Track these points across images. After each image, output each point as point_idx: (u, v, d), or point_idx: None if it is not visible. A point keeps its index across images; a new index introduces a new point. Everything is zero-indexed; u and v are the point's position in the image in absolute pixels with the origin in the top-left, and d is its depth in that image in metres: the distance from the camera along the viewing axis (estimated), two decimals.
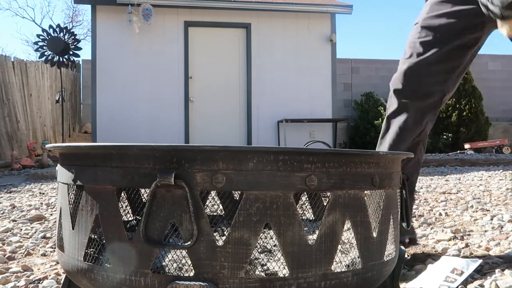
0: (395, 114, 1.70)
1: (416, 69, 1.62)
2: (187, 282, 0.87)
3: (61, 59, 8.11)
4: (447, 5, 1.59)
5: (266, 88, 8.61)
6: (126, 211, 1.35)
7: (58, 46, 8.01)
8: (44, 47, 8.07)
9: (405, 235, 1.74)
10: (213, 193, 1.45)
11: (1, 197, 3.94)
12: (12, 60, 8.67)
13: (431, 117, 1.69)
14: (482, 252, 1.71)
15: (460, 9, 1.57)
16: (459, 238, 2.01)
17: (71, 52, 8.17)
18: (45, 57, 8.12)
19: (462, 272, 1.36)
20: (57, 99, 8.85)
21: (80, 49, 8.21)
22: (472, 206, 2.84)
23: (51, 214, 2.88)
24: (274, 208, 0.89)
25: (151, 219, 0.89)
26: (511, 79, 11.64)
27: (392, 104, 1.70)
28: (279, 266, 1.02)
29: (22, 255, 1.86)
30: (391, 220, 1.09)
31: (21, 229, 2.40)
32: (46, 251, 1.92)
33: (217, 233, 1.31)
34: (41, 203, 3.41)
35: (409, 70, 1.63)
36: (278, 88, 8.66)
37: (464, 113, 9.52)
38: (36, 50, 8.09)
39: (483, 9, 1.37)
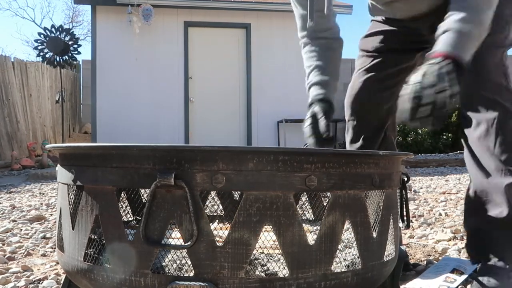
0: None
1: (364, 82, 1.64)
2: (187, 283, 0.87)
3: (60, 59, 8.12)
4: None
5: (266, 88, 8.61)
6: (126, 211, 1.35)
7: (57, 46, 8.02)
8: (44, 47, 8.08)
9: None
10: (213, 193, 1.45)
11: (1, 197, 3.94)
12: (12, 60, 8.68)
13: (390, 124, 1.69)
14: None
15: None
16: (459, 238, 2.01)
17: (71, 49, 8.18)
18: (42, 54, 8.13)
19: (462, 273, 1.36)
20: (57, 99, 8.87)
21: (79, 52, 8.24)
22: None
23: (51, 215, 2.88)
24: (274, 209, 0.89)
25: (151, 220, 0.89)
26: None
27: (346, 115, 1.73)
28: (279, 267, 1.02)
29: (22, 256, 1.86)
30: (391, 220, 1.09)
31: (21, 230, 2.40)
32: (46, 252, 1.92)
33: None
34: (41, 204, 3.41)
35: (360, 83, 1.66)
36: (278, 88, 8.65)
37: None
38: (38, 54, 8.11)
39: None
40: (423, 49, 1.64)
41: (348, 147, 1.70)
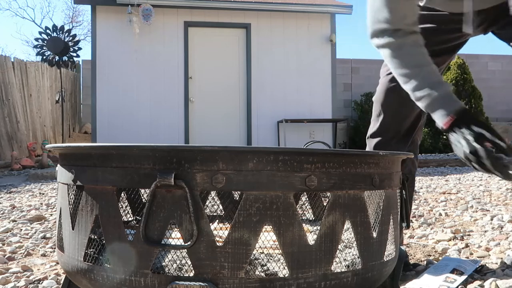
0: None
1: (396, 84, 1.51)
2: (187, 283, 0.87)
3: (60, 59, 8.13)
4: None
5: (266, 88, 8.61)
6: (126, 211, 1.35)
7: (57, 46, 8.02)
8: (44, 49, 8.08)
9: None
10: (213, 193, 1.45)
11: (1, 197, 3.94)
12: (12, 60, 8.67)
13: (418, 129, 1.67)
14: (482, 253, 1.71)
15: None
16: (459, 238, 2.01)
17: (71, 49, 8.18)
18: (44, 57, 8.14)
19: (462, 273, 1.36)
20: (57, 99, 8.86)
21: (79, 49, 8.24)
22: (472, 206, 2.84)
23: (51, 215, 2.88)
24: (274, 209, 0.89)
25: (151, 219, 0.89)
26: (511, 79, 11.62)
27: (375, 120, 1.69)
28: (279, 267, 1.02)
29: (22, 256, 1.86)
30: (391, 220, 1.09)
31: (21, 230, 2.40)
32: (46, 252, 1.92)
33: None
34: (41, 204, 3.41)
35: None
36: (278, 88, 8.66)
37: None
38: (38, 54, 8.11)
39: None
40: (454, 49, 1.58)
41: (371, 148, 1.65)
